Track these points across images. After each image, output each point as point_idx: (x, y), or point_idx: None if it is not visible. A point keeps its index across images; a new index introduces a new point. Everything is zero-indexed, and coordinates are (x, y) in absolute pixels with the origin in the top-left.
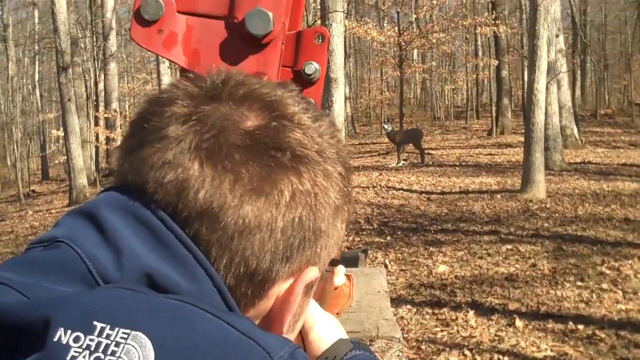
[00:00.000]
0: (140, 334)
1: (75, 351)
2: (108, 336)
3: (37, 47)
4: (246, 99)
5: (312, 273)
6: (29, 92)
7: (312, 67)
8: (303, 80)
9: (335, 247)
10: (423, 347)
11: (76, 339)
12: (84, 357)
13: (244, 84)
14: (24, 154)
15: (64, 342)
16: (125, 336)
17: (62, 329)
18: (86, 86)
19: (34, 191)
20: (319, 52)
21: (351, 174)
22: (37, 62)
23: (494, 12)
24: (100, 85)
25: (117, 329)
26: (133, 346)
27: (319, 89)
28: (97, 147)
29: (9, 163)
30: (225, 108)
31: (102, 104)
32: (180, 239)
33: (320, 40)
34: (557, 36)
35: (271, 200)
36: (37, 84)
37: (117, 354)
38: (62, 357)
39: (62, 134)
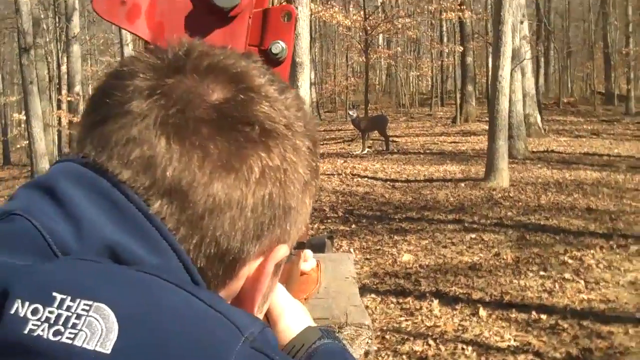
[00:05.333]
0: (103, 305)
1: (33, 324)
2: (69, 308)
3: None
4: (211, 70)
5: (282, 251)
6: None
7: (279, 47)
8: (270, 60)
9: (303, 225)
10: (387, 336)
11: (34, 311)
12: (42, 330)
13: (207, 54)
14: None
15: (22, 314)
16: (87, 308)
17: (20, 301)
18: (49, 68)
19: None
20: (286, 31)
21: (319, 147)
22: None
23: None
24: (63, 68)
25: (78, 301)
26: (95, 318)
27: (285, 69)
28: (59, 132)
29: None
30: (189, 81)
31: (65, 87)
32: (143, 213)
33: (287, 19)
34: (521, 22)
35: (241, 177)
36: None
37: (79, 327)
38: (19, 331)
39: (24, 117)
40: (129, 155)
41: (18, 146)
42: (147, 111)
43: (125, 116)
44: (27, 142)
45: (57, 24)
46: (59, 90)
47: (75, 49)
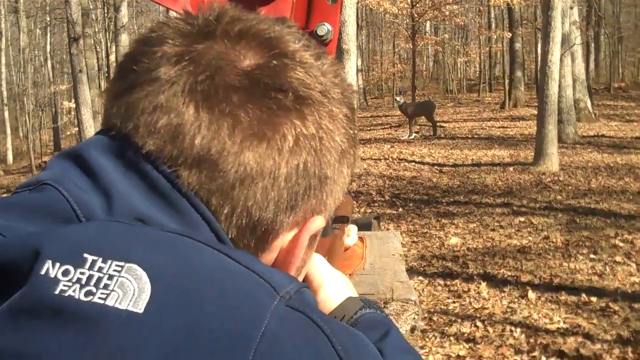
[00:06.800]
0: (135, 265)
1: (64, 285)
2: (100, 269)
3: (48, 18)
4: (243, 36)
5: (318, 222)
6: (41, 63)
7: (324, 29)
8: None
9: (341, 195)
10: (435, 318)
11: (65, 272)
12: (73, 291)
13: (239, 19)
14: (36, 126)
15: (52, 275)
16: (119, 269)
17: (50, 262)
18: (98, 58)
19: (45, 162)
20: (332, 13)
21: (355, 115)
22: (48, 33)
23: None
24: (112, 57)
25: (109, 262)
26: (127, 279)
27: (331, 51)
28: None
29: (21, 134)
30: (220, 46)
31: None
32: (172, 183)
33: (333, 1)
34: (571, 8)
35: (273, 145)
36: (48, 55)
37: (110, 287)
38: (50, 292)
39: (74, 105)
40: (156, 123)
41: (68, 133)
42: (175, 78)
43: (152, 83)
44: (77, 128)
45: (106, 14)
46: (107, 79)
47: (124, 38)
